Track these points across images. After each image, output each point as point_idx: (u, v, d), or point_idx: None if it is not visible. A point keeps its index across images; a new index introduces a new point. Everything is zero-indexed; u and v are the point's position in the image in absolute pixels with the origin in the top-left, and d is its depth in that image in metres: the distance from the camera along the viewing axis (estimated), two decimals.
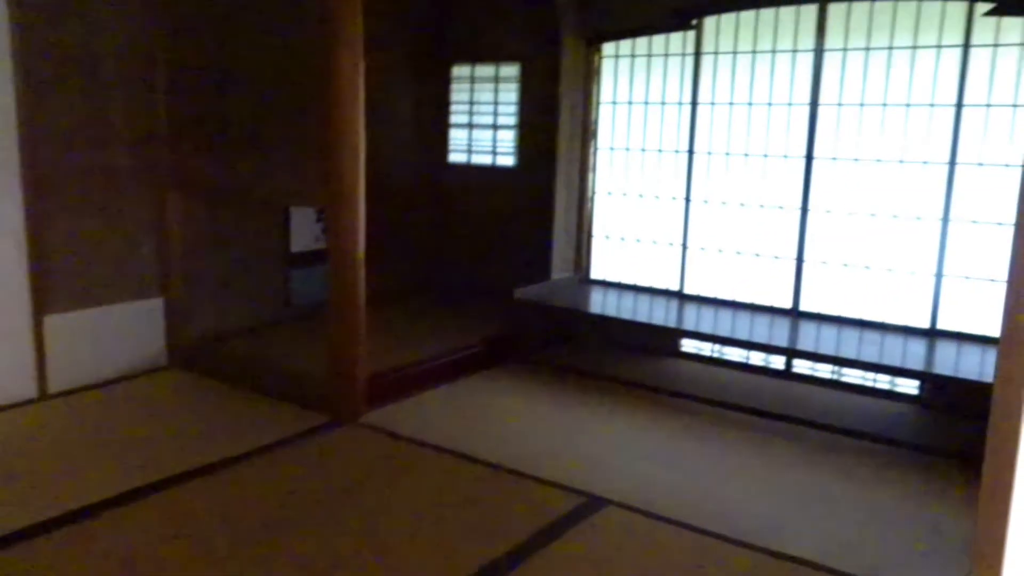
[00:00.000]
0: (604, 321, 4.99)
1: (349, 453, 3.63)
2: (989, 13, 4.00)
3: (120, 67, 4.25)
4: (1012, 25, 3.99)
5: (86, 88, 4.12)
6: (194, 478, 3.26)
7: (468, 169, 6.04)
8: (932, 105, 4.24)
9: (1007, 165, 4.07)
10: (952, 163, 4.21)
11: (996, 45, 4.05)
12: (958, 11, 4.12)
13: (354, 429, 3.86)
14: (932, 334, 4.35)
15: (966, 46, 4.11)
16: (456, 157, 6.08)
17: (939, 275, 4.31)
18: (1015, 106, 4.03)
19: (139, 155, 4.38)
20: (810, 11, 4.51)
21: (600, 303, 5.12)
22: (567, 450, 3.70)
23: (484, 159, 5.94)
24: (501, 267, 5.79)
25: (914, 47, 4.26)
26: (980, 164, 4.15)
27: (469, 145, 5.99)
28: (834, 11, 4.45)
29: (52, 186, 4.03)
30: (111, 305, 4.33)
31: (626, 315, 4.87)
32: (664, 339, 5.13)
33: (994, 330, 4.19)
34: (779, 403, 4.35)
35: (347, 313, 3.94)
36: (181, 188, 4.55)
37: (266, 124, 4.97)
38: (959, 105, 4.16)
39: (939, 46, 4.19)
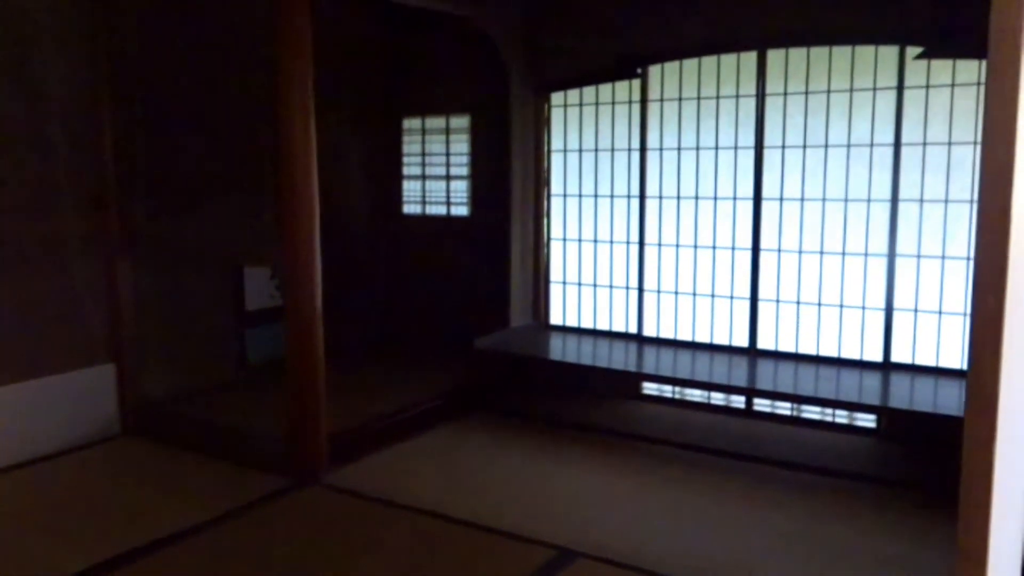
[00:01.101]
0: (565, 367, 5.00)
1: (312, 517, 3.54)
2: (920, 56, 4.17)
3: (66, 131, 4.18)
4: (942, 67, 4.16)
5: (30, 153, 4.05)
6: (148, 555, 3.14)
7: (423, 220, 6.05)
8: (872, 145, 4.38)
9: (945, 200, 4.22)
10: (894, 200, 4.34)
11: (928, 86, 4.22)
12: (891, 55, 4.29)
13: (316, 491, 3.78)
14: (886, 367, 4.44)
15: (900, 88, 4.28)
16: (410, 208, 6.09)
17: (888, 309, 4.42)
18: (949, 144, 4.19)
19: (87, 219, 4.30)
20: (750, 58, 4.66)
21: (560, 349, 5.13)
22: (535, 502, 3.67)
23: (438, 209, 5.96)
24: (460, 317, 5.78)
25: (851, 90, 4.41)
26: (920, 200, 4.29)
27: (423, 196, 6.01)
28: (773, 57, 4.60)
29: None
30: (59, 374, 4.20)
31: (586, 360, 4.88)
32: (625, 383, 5.15)
33: (945, 361, 4.30)
34: (742, 443, 4.38)
35: (306, 370, 3.88)
36: (131, 250, 4.47)
37: (217, 182, 4.93)
38: (897, 144, 4.31)
39: (875, 88, 4.35)
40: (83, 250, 4.30)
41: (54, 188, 4.16)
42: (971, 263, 4.13)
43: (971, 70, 4.09)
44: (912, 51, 4.21)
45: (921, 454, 4.21)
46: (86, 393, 4.33)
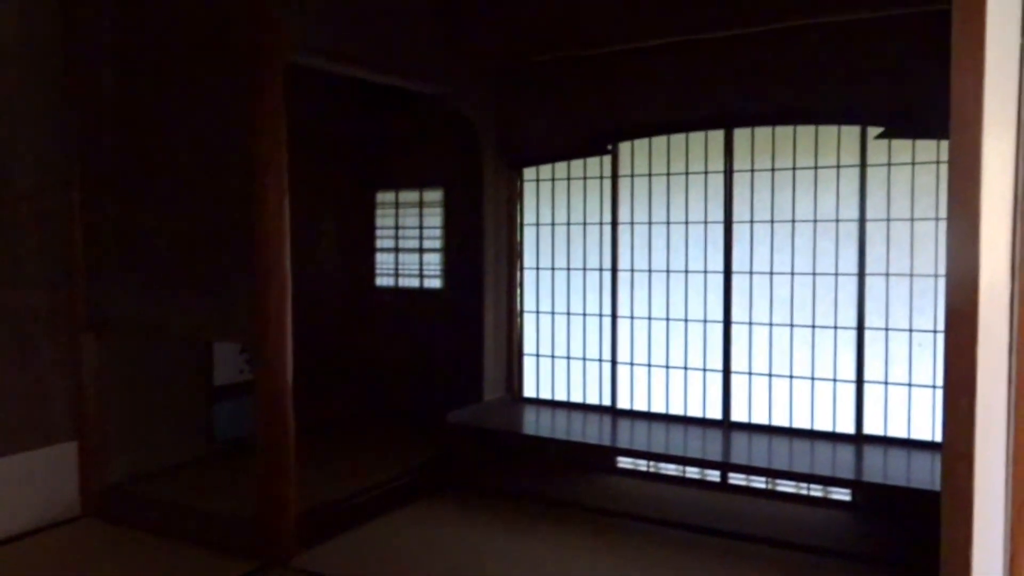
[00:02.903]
0: (539, 442, 4.95)
1: None
2: (880, 136, 4.31)
3: (34, 209, 4.15)
4: (903, 145, 4.30)
5: None
6: None
7: (395, 292, 6.04)
8: (837, 220, 4.48)
9: (910, 275, 4.30)
10: (861, 274, 4.42)
11: (890, 164, 4.35)
12: (853, 134, 4.42)
13: (286, 575, 3.66)
14: (859, 440, 4.45)
15: (863, 165, 4.40)
16: (383, 281, 6.09)
17: (859, 381, 4.45)
18: (912, 219, 4.30)
19: (53, 294, 4.23)
20: (717, 136, 4.78)
21: (534, 423, 5.09)
22: None
23: (411, 282, 5.96)
24: (433, 390, 5.73)
25: (815, 167, 4.53)
26: (886, 274, 4.37)
27: (396, 269, 6.02)
28: (740, 135, 4.72)
29: None
30: (17, 454, 4.07)
31: (560, 434, 4.85)
32: (600, 457, 5.10)
33: (917, 433, 4.32)
34: (719, 518, 4.33)
35: (275, 448, 3.79)
36: (97, 325, 4.39)
37: (187, 258, 4.89)
38: (862, 219, 4.41)
39: (838, 166, 4.47)
40: (47, 326, 4.22)
41: (20, 264, 4.10)
42: (937, 336, 4.22)
43: (930, 149, 4.23)
44: (873, 131, 4.35)
45: (896, 528, 4.19)
46: (46, 473, 4.19)
